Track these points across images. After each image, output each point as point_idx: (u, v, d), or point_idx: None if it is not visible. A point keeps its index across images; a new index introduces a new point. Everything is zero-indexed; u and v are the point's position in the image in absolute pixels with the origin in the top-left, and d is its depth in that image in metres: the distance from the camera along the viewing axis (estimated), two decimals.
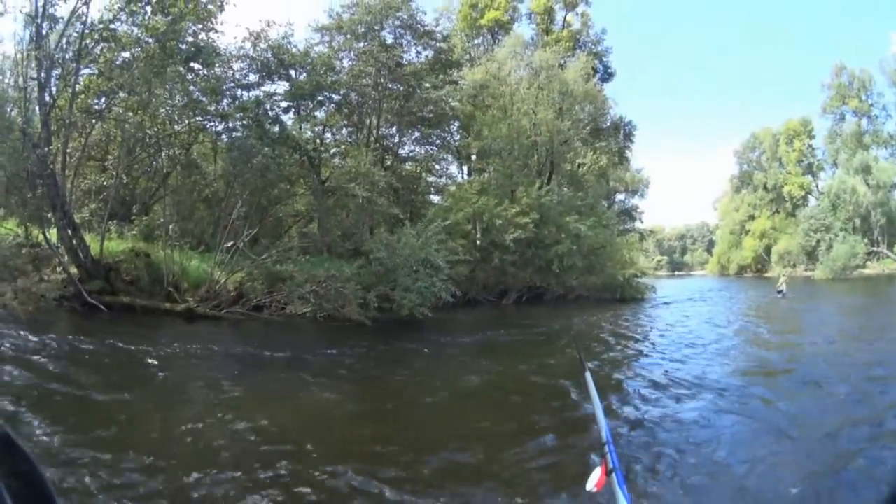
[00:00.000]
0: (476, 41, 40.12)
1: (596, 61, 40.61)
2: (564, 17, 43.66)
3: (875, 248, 59.92)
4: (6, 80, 20.93)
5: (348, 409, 8.54)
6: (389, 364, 12.41)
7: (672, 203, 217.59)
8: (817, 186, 77.65)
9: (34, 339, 11.21)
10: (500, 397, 9.50)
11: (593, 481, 1.95)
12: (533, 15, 42.91)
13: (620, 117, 41.94)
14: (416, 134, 27.58)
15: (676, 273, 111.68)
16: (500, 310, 25.17)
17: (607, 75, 43.27)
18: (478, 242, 26.44)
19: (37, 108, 17.18)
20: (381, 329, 16.90)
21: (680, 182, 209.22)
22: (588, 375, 2.30)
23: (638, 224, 48.27)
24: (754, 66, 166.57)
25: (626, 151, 42.78)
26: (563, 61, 35.67)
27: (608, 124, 40.00)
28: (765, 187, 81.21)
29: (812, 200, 76.57)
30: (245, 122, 20.65)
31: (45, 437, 6.19)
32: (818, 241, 63.24)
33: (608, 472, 1.83)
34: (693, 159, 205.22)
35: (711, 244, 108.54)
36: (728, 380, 10.53)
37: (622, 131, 41.50)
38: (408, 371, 11.57)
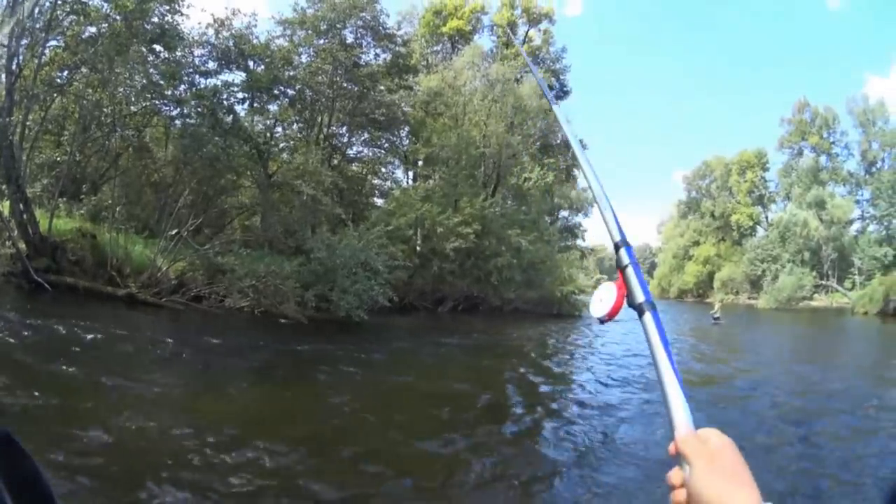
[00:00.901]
0: (435, 48, 40.44)
1: (553, 79, 41.37)
2: (526, 33, 44.34)
3: (824, 282, 61.52)
4: None
5: (276, 406, 8.66)
6: (321, 364, 12.48)
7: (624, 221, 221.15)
8: (766, 218, 79.21)
9: None
10: (426, 403, 9.73)
11: (605, 303, 1.19)
12: (495, 27, 43.48)
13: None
14: (366, 135, 27.66)
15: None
16: (435, 317, 25.49)
17: (563, 93, 44.14)
18: (418, 248, 26.65)
19: (2, 76, 16.90)
20: (316, 328, 17.00)
21: (628, 204, 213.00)
22: None
23: (580, 242, 49.10)
24: (718, 98, 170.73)
25: (574, 170, 43.58)
26: (519, 76, 36.11)
27: (558, 141, 40.71)
28: (712, 215, 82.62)
29: (760, 231, 78.13)
30: (200, 110, 20.56)
31: None
32: (763, 271, 64.42)
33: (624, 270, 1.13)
34: (643, 184, 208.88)
35: (653, 266, 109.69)
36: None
37: (572, 149, 42.11)
38: (338, 372, 11.72)
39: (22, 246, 15.83)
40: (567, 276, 33.31)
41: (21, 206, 16.02)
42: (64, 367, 8.63)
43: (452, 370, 13.26)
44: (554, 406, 10.27)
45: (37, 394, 7.10)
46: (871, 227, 65.75)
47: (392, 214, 25.58)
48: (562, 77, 44.34)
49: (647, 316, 1.09)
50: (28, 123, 17.63)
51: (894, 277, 38.24)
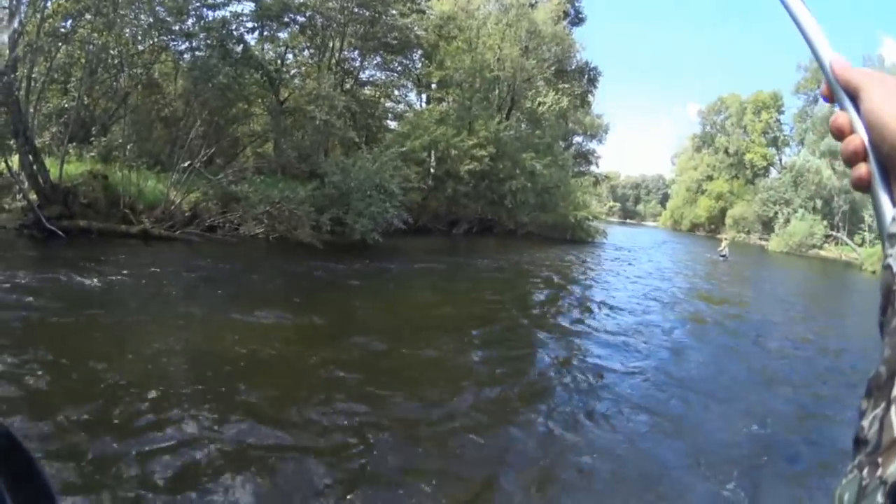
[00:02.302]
0: None
1: (568, 4, 40.50)
2: None
3: (835, 233, 60.49)
4: None
5: (294, 331, 8.70)
6: (338, 287, 12.76)
7: (631, 153, 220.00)
8: (780, 160, 77.68)
9: None
10: (442, 322, 9.94)
11: None
12: None
13: (586, 62, 42.39)
14: (378, 59, 27.39)
15: (628, 221, 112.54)
16: (449, 239, 25.74)
17: (578, 19, 43.16)
18: (432, 171, 26.78)
19: (5, 37, 16.92)
20: (332, 252, 17.04)
21: (643, 133, 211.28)
22: None
23: (594, 168, 48.90)
24: (737, 37, 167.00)
25: (589, 95, 43.31)
26: (534, 1, 35.57)
27: (573, 67, 40.30)
28: (726, 151, 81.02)
29: (773, 173, 76.67)
30: (209, 42, 20.43)
31: None
32: (776, 213, 63.02)
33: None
34: (661, 114, 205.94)
35: (666, 197, 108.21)
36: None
37: (587, 75, 41.83)
38: (355, 295, 11.93)
39: (33, 196, 15.87)
40: (581, 201, 33.36)
41: (31, 157, 16.20)
42: (81, 312, 8.58)
43: (468, 292, 13.56)
44: (567, 329, 10.60)
45: (54, 343, 7.00)
46: None
47: (406, 137, 25.63)
48: (577, 3, 43.31)
49: None
50: (34, 75, 17.70)
51: None
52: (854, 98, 0.70)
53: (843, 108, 0.71)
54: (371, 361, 7.21)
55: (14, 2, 16.24)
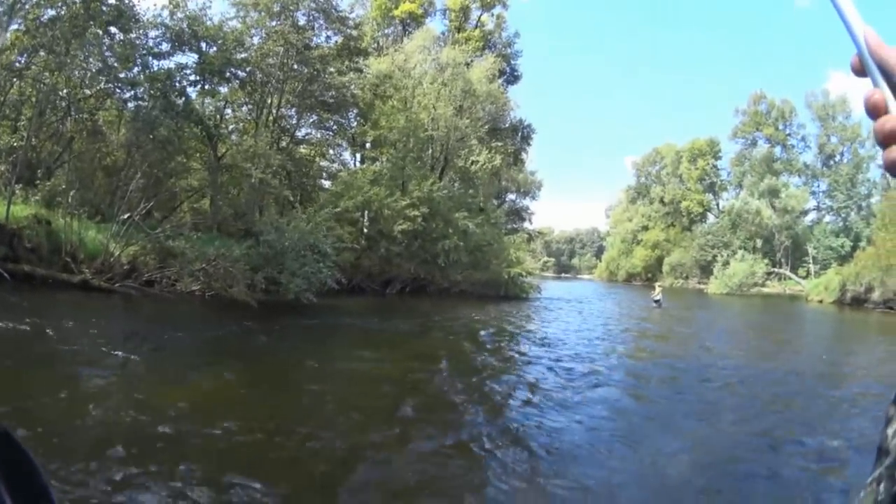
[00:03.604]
0: (387, 31, 40.30)
1: (504, 63, 41.70)
2: (479, 17, 44.31)
3: (777, 269, 62.31)
4: None
5: (227, 390, 8.77)
6: (272, 346, 12.86)
7: (566, 209, 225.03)
8: (717, 205, 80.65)
9: None
10: (372, 384, 10.05)
11: None
12: (447, 11, 43.36)
13: (520, 119, 43.65)
14: (314, 118, 27.72)
15: (563, 275, 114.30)
16: (383, 299, 25.91)
17: (513, 77, 44.37)
18: (365, 231, 27.08)
19: None
20: (266, 311, 17.16)
21: (577, 188, 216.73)
22: None
23: (527, 225, 49.86)
24: (670, 88, 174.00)
25: (522, 153, 44.38)
26: (470, 60, 36.62)
27: (507, 125, 41.39)
28: (661, 201, 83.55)
29: (711, 218, 79.43)
30: (152, 93, 20.64)
31: None
32: (714, 257, 64.82)
33: None
34: (595, 169, 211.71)
35: (601, 250, 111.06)
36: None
37: (520, 133, 42.95)
38: (288, 354, 12.09)
39: None
40: (514, 258, 33.87)
41: None
42: (17, 360, 8.72)
43: (398, 351, 13.66)
44: (501, 385, 10.78)
45: None
46: (828, 218, 67.21)
47: (340, 197, 25.94)
48: (513, 62, 44.59)
49: None
50: None
51: (852, 267, 39.34)
52: (889, 76, 0.68)
53: (876, 84, 0.69)
54: (295, 423, 7.32)
55: None
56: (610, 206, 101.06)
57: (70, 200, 18.27)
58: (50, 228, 17.40)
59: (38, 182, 18.79)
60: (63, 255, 17.00)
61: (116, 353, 10.11)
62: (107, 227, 18.36)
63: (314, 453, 6.27)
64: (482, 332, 17.89)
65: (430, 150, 34.12)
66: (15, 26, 18.30)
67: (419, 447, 6.81)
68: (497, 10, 44.43)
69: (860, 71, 0.70)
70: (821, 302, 41.58)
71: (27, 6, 17.91)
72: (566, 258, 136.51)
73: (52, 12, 18.29)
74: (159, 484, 5.13)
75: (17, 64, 18.87)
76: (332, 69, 25.72)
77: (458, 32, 41.58)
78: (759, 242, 64.05)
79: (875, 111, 0.66)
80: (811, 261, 60.09)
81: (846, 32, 0.72)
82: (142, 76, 21.01)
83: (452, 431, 7.51)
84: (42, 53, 18.65)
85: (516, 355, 14.58)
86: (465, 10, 43.44)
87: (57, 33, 17.56)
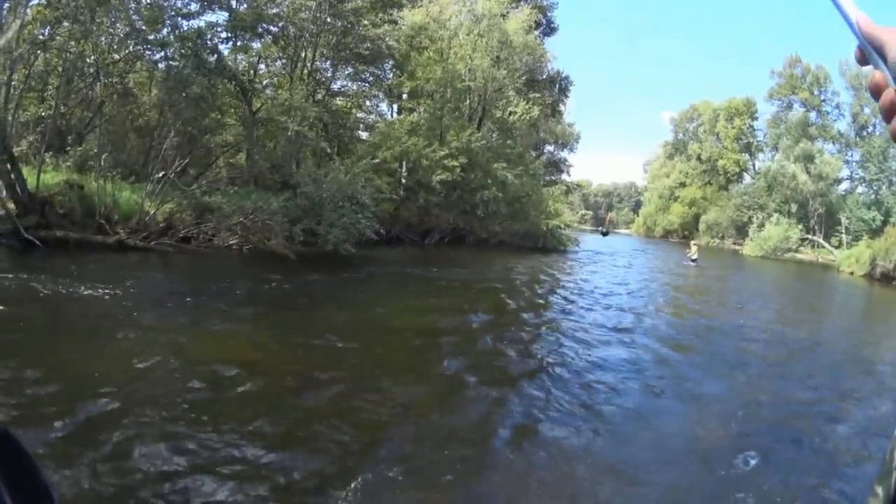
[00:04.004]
0: None
1: (540, 15, 40.80)
2: None
3: (810, 236, 60.77)
4: None
5: (266, 343, 8.65)
6: (311, 298, 12.86)
7: (603, 161, 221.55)
8: (754, 166, 78.20)
9: None
10: (414, 336, 9.95)
11: None
12: None
13: (558, 71, 42.75)
14: (350, 70, 27.51)
15: (599, 228, 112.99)
16: (422, 249, 25.86)
17: (550, 29, 43.40)
18: (403, 181, 26.93)
19: None
20: (305, 263, 17.08)
21: (615, 141, 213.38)
22: None
23: (565, 177, 49.17)
24: (710, 44, 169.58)
25: (560, 105, 43.76)
26: (506, 11, 35.81)
27: (544, 76, 40.64)
28: (699, 158, 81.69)
29: (747, 178, 77.24)
30: (183, 52, 20.48)
31: None
32: (750, 218, 63.47)
33: None
34: (633, 122, 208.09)
35: (638, 205, 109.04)
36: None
37: (558, 85, 42.25)
38: (328, 305, 12.04)
39: (11, 206, 15.81)
40: (553, 209, 33.66)
41: (9, 166, 16.22)
42: (56, 321, 8.77)
43: (442, 300, 13.69)
44: (536, 343, 10.70)
45: (30, 350, 7.04)
46: (860, 189, 64.75)
47: (377, 147, 25.80)
48: (549, 13, 43.60)
49: None
50: (12, 83, 17.75)
51: (882, 242, 37.83)
52: (881, 54, 0.72)
53: (877, 67, 0.74)
54: (335, 378, 7.16)
55: None
56: (647, 160, 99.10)
57: (102, 163, 18.41)
58: (82, 192, 17.37)
59: (68, 149, 18.92)
60: (97, 218, 16.95)
61: (154, 309, 10.17)
62: (141, 187, 18.42)
63: (354, 409, 6.12)
64: (523, 284, 17.87)
65: (468, 101, 33.72)
66: (35, 2, 18.00)
67: (461, 402, 6.78)
68: None
69: (863, 59, 0.75)
70: (851, 274, 40.09)
71: None
72: (603, 211, 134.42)
73: None
74: (197, 440, 5.06)
75: (41, 37, 18.84)
76: (365, 21, 25.32)
77: None
78: (793, 207, 61.95)
79: (877, 91, 0.72)
80: (843, 231, 58.08)
81: (844, 23, 0.76)
82: (171, 37, 20.85)
83: (497, 386, 7.40)
84: (66, 24, 18.59)
85: (559, 306, 14.48)
86: None
87: (80, 2, 17.45)
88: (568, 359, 8.84)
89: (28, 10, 17.52)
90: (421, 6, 32.98)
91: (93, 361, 6.92)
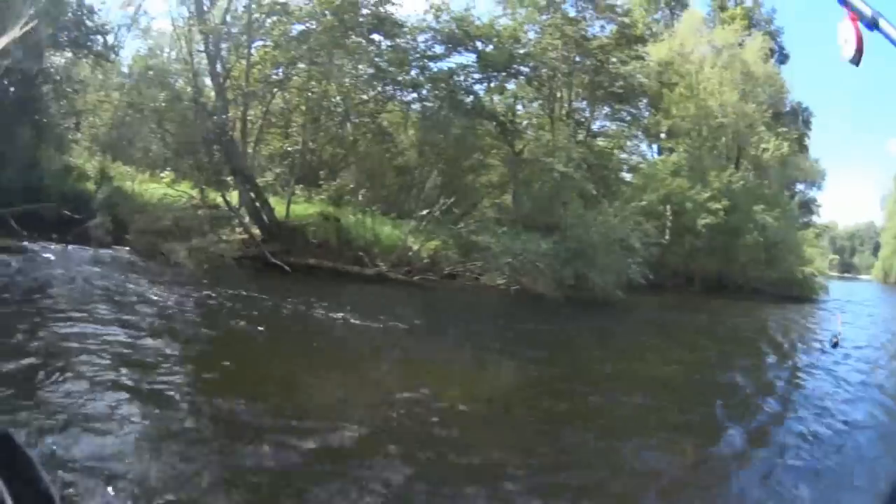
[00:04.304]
0: (655, 16, 38.47)
1: (772, 41, 38.28)
2: None
3: None
4: (165, 54, 22.23)
5: (528, 383, 8.64)
6: (576, 342, 12.69)
7: (839, 197, 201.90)
8: None
9: (213, 294, 12.07)
10: (679, 388, 9.39)
11: (848, 44, 1.23)
12: None
13: (798, 102, 39.92)
14: (607, 109, 26.94)
15: (845, 275, 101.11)
16: (686, 296, 24.55)
17: (783, 56, 40.64)
18: (668, 225, 25.68)
19: (206, 79, 18.56)
20: (572, 306, 16.68)
21: (845, 176, 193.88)
22: None
23: (815, 218, 45.20)
24: None
25: (805, 139, 40.57)
26: (741, 40, 33.81)
27: (787, 109, 37.91)
28: None
29: None
30: (437, 93, 20.80)
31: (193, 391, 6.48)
32: None
33: (869, 22, 1.14)
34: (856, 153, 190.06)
35: (877, 247, 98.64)
36: None
37: (800, 117, 39.41)
38: (598, 351, 11.74)
39: (256, 231, 16.91)
40: (807, 255, 31.05)
41: (252, 194, 16.88)
42: (308, 339, 9.43)
43: (702, 355, 12.59)
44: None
45: (280, 368, 7.67)
46: None
47: (642, 190, 24.96)
48: (778, 39, 40.66)
49: (882, 21, 1.12)
50: (249, 118, 18.44)
51: None
52: None
53: None
54: (592, 428, 6.89)
55: (211, 47, 17.24)
56: (883, 195, 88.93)
57: (360, 198, 18.76)
58: (338, 224, 18.23)
59: (321, 183, 19.47)
60: (355, 250, 17.67)
61: (414, 336, 10.64)
62: (402, 224, 18.81)
63: (611, 464, 5.77)
64: (793, 337, 16.42)
65: (723, 139, 31.95)
66: (260, 43, 19.18)
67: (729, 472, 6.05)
68: None
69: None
70: None
71: (266, 23, 18.74)
72: (847, 255, 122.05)
73: (300, 27, 18.90)
74: (439, 475, 5.03)
75: (274, 76, 19.50)
76: (613, 59, 24.47)
77: (722, 11, 38.67)
78: None
79: None
80: None
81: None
82: (422, 77, 21.05)
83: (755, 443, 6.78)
84: (301, 65, 19.11)
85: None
86: None
87: (312, 45, 18.01)
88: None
89: (253, 51, 18.26)
90: (662, 40, 31.76)
91: (342, 385, 7.36)
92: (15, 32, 14.62)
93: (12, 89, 18.48)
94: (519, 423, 6.74)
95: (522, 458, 5.60)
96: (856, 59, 1.24)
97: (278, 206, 17.96)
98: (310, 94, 19.63)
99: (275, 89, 19.75)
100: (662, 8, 38.31)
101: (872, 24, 1.15)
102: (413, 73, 21.49)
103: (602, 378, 9.35)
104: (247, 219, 17.43)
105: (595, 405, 7.83)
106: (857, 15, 1.17)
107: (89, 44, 19.73)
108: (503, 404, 7.41)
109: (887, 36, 1.12)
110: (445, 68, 22.12)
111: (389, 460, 5.17)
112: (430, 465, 5.19)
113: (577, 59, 23.96)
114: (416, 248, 18.16)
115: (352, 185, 19.70)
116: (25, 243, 14.21)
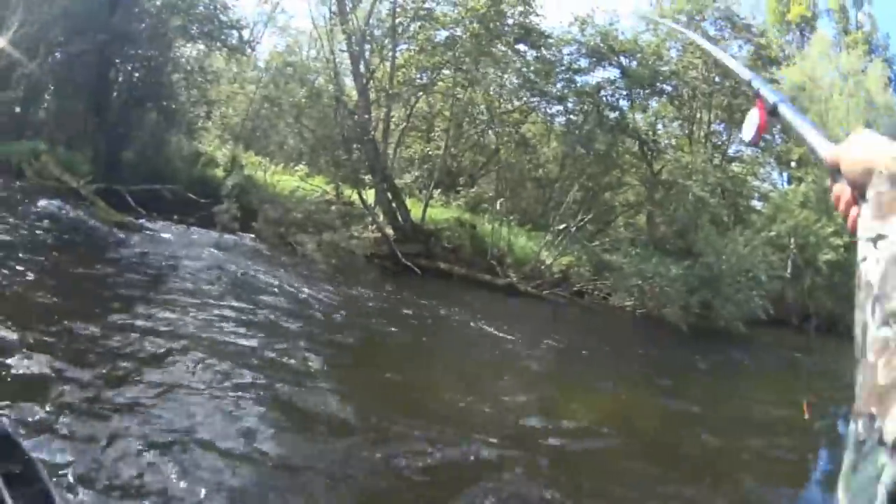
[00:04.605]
0: (787, 37, 37.73)
1: (889, 69, 37.17)
2: (856, 17, 39.99)
3: None
4: (304, 53, 22.61)
5: (641, 414, 8.62)
6: (699, 374, 12.65)
7: None
8: None
9: (345, 290, 12.36)
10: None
11: (752, 126, 1.37)
12: (831, 12, 39.62)
13: None
14: None
15: None
16: (805, 335, 24.31)
17: None
18: (791, 259, 25.42)
19: (347, 78, 19.04)
20: (695, 335, 16.60)
21: None
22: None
23: None
24: None
25: None
26: (863, 67, 32.99)
27: None
28: None
29: None
30: (583, 107, 20.80)
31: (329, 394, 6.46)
32: None
33: (770, 110, 1.29)
34: None
35: None
36: None
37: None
38: (715, 386, 11.74)
39: (389, 231, 17.08)
40: None
41: (389, 195, 17.11)
42: (444, 345, 9.51)
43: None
44: None
45: (395, 365, 7.78)
46: None
47: (772, 220, 24.70)
48: (894, 67, 39.51)
49: (782, 106, 1.25)
50: (392, 119, 18.66)
51: None
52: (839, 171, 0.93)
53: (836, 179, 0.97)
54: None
55: (355, 47, 17.53)
56: None
57: (498, 207, 18.86)
58: (474, 232, 18.33)
59: (459, 189, 19.63)
60: (488, 259, 17.80)
61: (535, 355, 10.47)
62: (538, 236, 18.64)
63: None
64: None
65: None
66: (404, 46, 19.50)
67: None
68: (866, 7, 39.67)
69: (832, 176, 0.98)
70: None
71: (411, 28, 19.04)
72: None
73: (445, 33, 19.09)
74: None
75: (419, 80, 19.78)
76: None
77: (846, 35, 37.67)
78: None
79: (837, 202, 0.94)
80: None
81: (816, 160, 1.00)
82: (567, 91, 21.05)
83: None
84: (446, 71, 19.28)
85: None
86: (843, 10, 39.28)
87: (458, 52, 18.16)
88: None
89: (398, 54, 18.51)
90: (794, 63, 31.16)
91: (480, 394, 7.49)
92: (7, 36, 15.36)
93: (136, 75, 19.25)
94: (656, 455, 6.82)
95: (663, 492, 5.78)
96: (755, 140, 1.39)
97: (414, 209, 18.22)
98: (455, 99, 19.86)
99: (419, 93, 20.05)
100: (793, 29, 37.51)
101: (772, 112, 1.26)
102: (559, 85, 21.60)
103: (736, 418, 9.32)
104: (381, 218, 17.72)
105: (729, 446, 7.86)
106: (763, 103, 1.30)
107: (223, 37, 20.43)
108: (637, 432, 7.60)
109: (784, 120, 1.23)
110: (591, 82, 22.20)
111: (525, 475, 5.36)
112: (565, 486, 5.36)
113: (717, 79, 23.86)
114: (549, 261, 18.27)
115: (490, 194, 19.91)
116: (142, 221, 14.42)
